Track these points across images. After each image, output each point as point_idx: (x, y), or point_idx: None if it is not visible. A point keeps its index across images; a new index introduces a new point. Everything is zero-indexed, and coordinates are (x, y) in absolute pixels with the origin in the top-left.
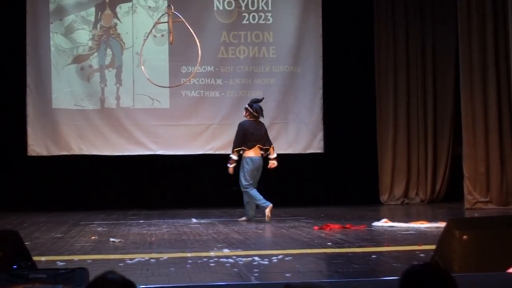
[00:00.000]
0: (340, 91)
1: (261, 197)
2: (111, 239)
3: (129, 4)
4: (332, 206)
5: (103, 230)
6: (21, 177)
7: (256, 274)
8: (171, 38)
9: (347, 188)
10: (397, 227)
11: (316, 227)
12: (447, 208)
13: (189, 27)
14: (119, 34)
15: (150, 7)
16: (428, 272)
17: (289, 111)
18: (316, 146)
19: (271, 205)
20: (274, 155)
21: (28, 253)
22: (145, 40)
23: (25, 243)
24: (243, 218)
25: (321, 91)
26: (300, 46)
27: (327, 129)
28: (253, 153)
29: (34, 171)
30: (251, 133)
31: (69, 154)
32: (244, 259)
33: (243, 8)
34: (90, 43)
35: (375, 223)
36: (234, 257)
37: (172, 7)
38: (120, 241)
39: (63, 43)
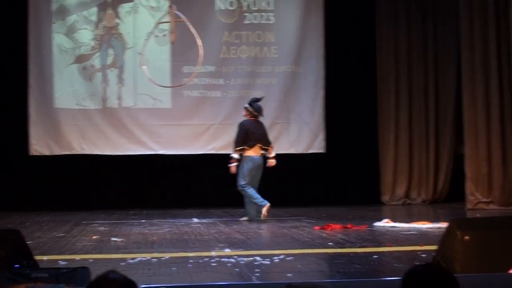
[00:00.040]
0: (341, 91)
1: (259, 196)
2: (113, 239)
3: (131, 4)
4: (333, 206)
5: (105, 229)
6: (23, 176)
7: (257, 274)
8: (172, 38)
9: (348, 188)
10: (398, 227)
11: (317, 227)
12: (449, 208)
13: (191, 27)
14: (121, 34)
15: (152, 7)
16: (430, 272)
17: (290, 111)
18: (318, 146)
19: (268, 204)
20: (273, 154)
21: (30, 252)
22: (147, 40)
23: (27, 242)
24: (245, 218)
25: (322, 91)
26: (302, 46)
27: (328, 129)
28: (253, 153)
29: (36, 171)
30: (252, 133)
31: (71, 153)
32: (246, 259)
33: (244, 8)
34: (92, 43)
35: (377, 223)
36: (235, 257)
37: (174, 7)
38: (121, 241)
39: (65, 42)
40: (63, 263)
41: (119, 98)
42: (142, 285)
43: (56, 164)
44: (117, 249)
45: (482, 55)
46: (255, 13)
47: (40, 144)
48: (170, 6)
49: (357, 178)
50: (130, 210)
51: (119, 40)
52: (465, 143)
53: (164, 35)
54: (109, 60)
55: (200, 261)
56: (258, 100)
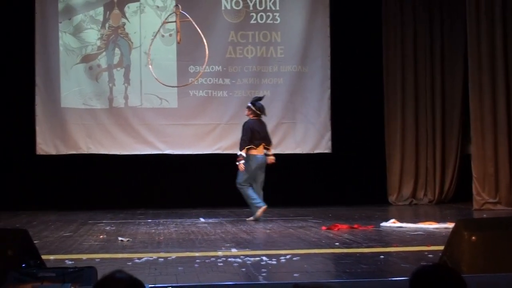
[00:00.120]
0: (348, 91)
1: (257, 197)
2: (120, 238)
3: (137, 3)
4: (340, 206)
5: (112, 229)
6: (29, 176)
7: (264, 274)
8: (178, 38)
9: (355, 188)
10: (405, 227)
11: (324, 227)
12: (455, 208)
13: (197, 27)
14: (127, 33)
15: (158, 6)
16: (438, 272)
17: (296, 111)
18: (324, 146)
19: (265, 206)
20: (271, 152)
21: (37, 251)
22: (153, 39)
23: (34, 241)
24: (251, 218)
25: (329, 91)
26: (308, 46)
27: (335, 129)
28: (258, 152)
29: (42, 170)
30: (258, 132)
31: (77, 153)
32: (252, 258)
33: (251, 8)
34: (98, 43)
35: (383, 224)
36: (242, 256)
37: (180, 7)
38: (128, 240)
39: (72, 42)
40: (70, 262)
41: (126, 97)
42: (149, 284)
43: (63, 164)
44: (124, 248)
45: (489, 55)
46: (261, 13)
47: (46, 144)
48: (176, 6)
49: (363, 178)
50: (137, 209)
51: (125, 40)
52: (472, 143)
53: (170, 35)
54: (116, 59)
55: (207, 261)
56: (260, 99)
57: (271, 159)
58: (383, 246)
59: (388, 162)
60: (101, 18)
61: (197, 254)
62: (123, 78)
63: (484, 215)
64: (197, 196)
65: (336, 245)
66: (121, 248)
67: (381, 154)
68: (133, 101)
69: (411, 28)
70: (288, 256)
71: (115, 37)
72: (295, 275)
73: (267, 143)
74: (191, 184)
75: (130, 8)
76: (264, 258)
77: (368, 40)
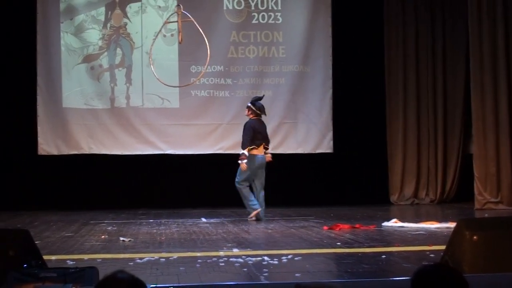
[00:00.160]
0: (349, 91)
1: (253, 198)
2: (121, 238)
3: (139, 3)
4: (341, 206)
5: (113, 229)
6: (31, 176)
7: (265, 274)
8: (180, 38)
9: (356, 188)
10: (407, 227)
11: (325, 227)
12: (457, 208)
13: (198, 27)
14: (129, 33)
15: (159, 6)
16: (440, 272)
17: (298, 111)
18: (326, 146)
19: (259, 209)
20: (268, 149)
21: (38, 252)
22: (154, 39)
23: (36, 242)
24: (253, 218)
25: (330, 91)
26: (310, 46)
27: (336, 129)
28: (258, 152)
29: (44, 170)
30: (259, 132)
31: (79, 153)
32: (254, 258)
33: (252, 8)
34: (100, 43)
35: (385, 223)
36: (243, 256)
37: (182, 7)
38: (130, 240)
39: (73, 42)
40: (72, 262)
41: (127, 97)
42: (150, 285)
43: (64, 164)
44: (125, 249)
45: (491, 55)
46: (263, 13)
47: (48, 144)
48: (178, 6)
49: (365, 178)
50: (138, 210)
51: (127, 40)
52: (474, 143)
53: (172, 35)
54: (117, 59)
55: (208, 261)
56: (260, 98)
57: (268, 156)
58: (384, 246)
59: (390, 161)
60: (102, 18)
61: (198, 254)
62: (124, 78)
63: (486, 215)
64: (199, 196)
65: (338, 245)
66: (123, 248)
67: (383, 154)
68: (134, 101)
69: (412, 28)
70: (289, 256)
71: (117, 37)
72: (296, 275)
73: (267, 143)
74: (192, 184)
75: (131, 8)
76: (265, 258)
77: (370, 40)
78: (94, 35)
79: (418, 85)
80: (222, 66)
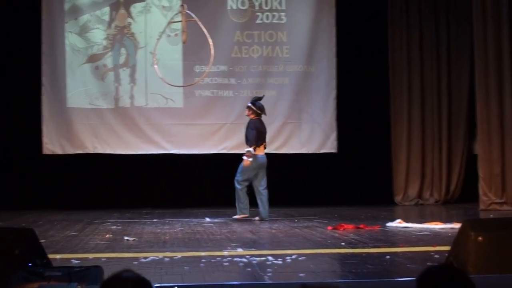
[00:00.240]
0: (353, 91)
1: (247, 203)
2: (125, 238)
3: (143, 3)
4: (345, 206)
5: (117, 228)
6: (35, 175)
7: (269, 274)
8: (184, 38)
9: (361, 188)
10: (411, 227)
11: (329, 227)
12: (461, 209)
13: (202, 27)
14: (133, 33)
15: (164, 6)
16: (445, 273)
17: (302, 111)
18: (330, 146)
19: (247, 215)
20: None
21: (43, 251)
22: (158, 39)
23: (41, 241)
24: (257, 218)
25: (334, 91)
26: (314, 46)
27: (340, 129)
28: (260, 152)
29: (48, 170)
30: (261, 132)
31: (84, 152)
32: (258, 258)
33: (256, 8)
34: (104, 43)
35: (389, 224)
36: (247, 256)
37: (186, 7)
38: (134, 240)
39: (78, 42)
40: (76, 262)
41: (131, 97)
42: (155, 284)
43: (69, 163)
44: (130, 248)
45: (496, 58)
46: (267, 13)
47: (52, 143)
48: (182, 6)
49: (369, 178)
50: (143, 209)
51: (131, 40)
52: (478, 145)
53: (176, 35)
54: (122, 59)
55: (213, 260)
56: (259, 98)
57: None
58: (389, 247)
59: (394, 162)
60: (107, 18)
61: (202, 253)
62: (129, 78)
63: (491, 216)
64: (203, 195)
65: (342, 245)
66: (127, 248)
67: (387, 154)
68: (139, 101)
69: (417, 30)
70: (293, 256)
71: (121, 37)
72: (300, 275)
73: (266, 143)
74: (196, 184)
75: (136, 8)
76: (269, 258)
77: (374, 41)
78: (98, 35)
79: (422, 86)
80: (226, 66)
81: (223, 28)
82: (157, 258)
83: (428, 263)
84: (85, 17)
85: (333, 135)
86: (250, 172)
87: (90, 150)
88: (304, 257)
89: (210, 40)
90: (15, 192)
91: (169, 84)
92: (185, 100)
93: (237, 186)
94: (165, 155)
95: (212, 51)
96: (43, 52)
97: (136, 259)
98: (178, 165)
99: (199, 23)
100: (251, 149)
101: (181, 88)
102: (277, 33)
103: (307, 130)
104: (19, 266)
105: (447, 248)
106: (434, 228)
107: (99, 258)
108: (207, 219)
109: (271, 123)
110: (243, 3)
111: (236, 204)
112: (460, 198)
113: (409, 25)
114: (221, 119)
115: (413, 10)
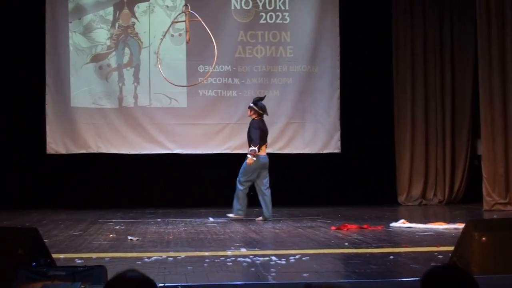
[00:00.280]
0: (357, 91)
1: (245, 204)
2: (129, 237)
3: (147, 3)
4: (349, 206)
5: (121, 228)
6: (39, 175)
7: (273, 274)
8: (187, 37)
9: (364, 188)
10: (415, 228)
11: (333, 227)
12: (465, 209)
13: (206, 26)
14: (137, 33)
15: (167, 6)
16: (450, 274)
17: (306, 111)
18: (333, 146)
19: (242, 217)
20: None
21: (47, 250)
22: (162, 39)
23: (44, 240)
24: (260, 218)
25: (338, 91)
26: (317, 46)
27: (344, 129)
28: (262, 152)
29: (52, 169)
30: (264, 133)
31: (87, 152)
32: (262, 258)
33: (260, 8)
34: (108, 42)
35: (393, 224)
36: (251, 256)
37: (189, 6)
38: (137, 239)
39: (82, 42)
40: (80, 261)
41: (135, 97)
42: (158, 284)
43: (73, 163)
44: (133, 248)
45: (500, 58)
46: (271, 13)
47: (56, 143)
48: (185, 6)
49: (372, 178)
50: (146, 209)
51: (135, 40)
52: (482, 145)
53: (180, 35)
54: (125, 59)
55: (216, 260)
56: (261, 99)
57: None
58: (392, 247)
59: (398, 162)
60: (111, 17)
61: (206, 253)
62: (132, 78)
63: (495, 216)
64: (206, 195)
65: (346, 245)
66: (131, 247)
67: (391, 154)
68: (142, 101)
69: (421, 30)
70: (297, 256)
71: (125, 36)
72: (304, 275)
73: (267, 143)
74: (200, 184)
75: (139, 7)
76: (273, 258)
77: (378, 40)
78: (102, 35)
79: (426, 85)
80: (229, 66)
81: (227, 28)
82: (160, 258)
83: (431, 264)
84: (89, 17)
85: (337, 135)
86: (252, 172)
87: (94, 149)
88: (308, 257)
89: (214, 40)
90: (19, 191)
91: (172, 84)
92: (188, 100)
93: (239, 186)
94: (168, 155)
95: (216, 51)
96: (47, 52)
97: (140, 258)
98: (181, 165)
99: (203, 23)
100: (255, 148)
101: (185, 88)
102: (281, 33)
103: (311, 130)
104: (23, 265)
105: (451, 248)
106: (437, 229)
107: (102, 258)
108: (211, 219)
109: (275, 123)
110: (246, 3)
111: (234, 203)
112: (464, 199)
113: (413, 25)
114: (225, 119)
115: (417, 10)
